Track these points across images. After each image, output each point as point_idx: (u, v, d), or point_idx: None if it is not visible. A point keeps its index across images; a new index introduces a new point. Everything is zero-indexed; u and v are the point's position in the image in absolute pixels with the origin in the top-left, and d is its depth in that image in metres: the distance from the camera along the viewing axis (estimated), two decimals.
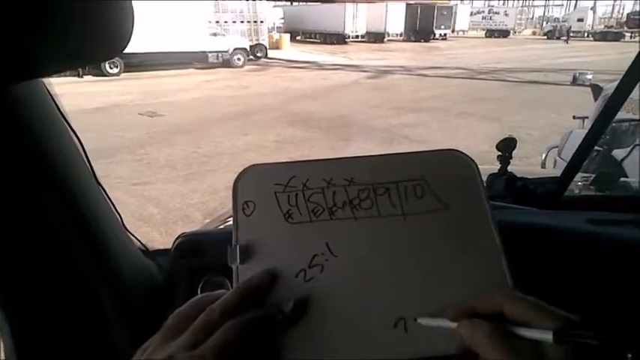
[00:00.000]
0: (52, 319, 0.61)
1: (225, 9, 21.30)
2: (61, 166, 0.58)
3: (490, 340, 0.36)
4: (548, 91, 11.29)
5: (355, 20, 30.84)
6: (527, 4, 72.99)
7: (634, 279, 0.67)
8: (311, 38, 34.09)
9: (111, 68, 14.53)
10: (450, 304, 0.42)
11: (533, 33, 54.39)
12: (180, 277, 0.77)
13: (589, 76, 11.29)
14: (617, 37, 37.84)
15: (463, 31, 44.96)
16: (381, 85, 12.78)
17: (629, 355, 0.36)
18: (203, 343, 0.37)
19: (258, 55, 20.49)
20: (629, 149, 2.32)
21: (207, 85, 13.00)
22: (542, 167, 3.53)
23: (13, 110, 0.50)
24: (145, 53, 14.41)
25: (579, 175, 1.43)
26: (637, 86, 1.04)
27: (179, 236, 0.80)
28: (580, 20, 41.30)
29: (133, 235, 0.75)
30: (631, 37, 38.14)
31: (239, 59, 17.69)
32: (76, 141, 0.62)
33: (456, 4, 42.53)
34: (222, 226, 1.25)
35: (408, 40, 35.14)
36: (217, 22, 20.18)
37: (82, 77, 13.70)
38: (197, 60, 16.93)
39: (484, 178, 0.53)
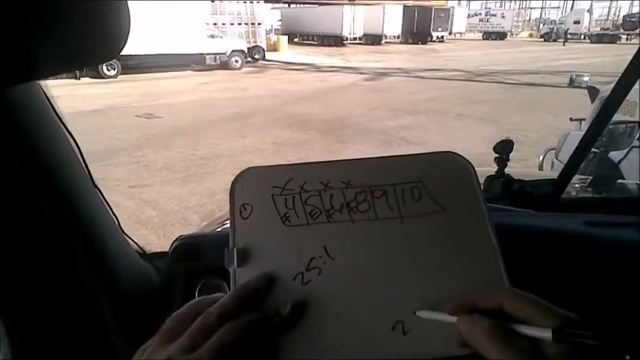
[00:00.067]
0: (49, 322, 0.61)
1: (223, 11, 21.31)
2: (58, 168, 0.57)
3: (489, 338, 0.36)
4: (545, 93, 11.32)
5: (353, 22, 30.89)
6: (524, 5, 73.31)
7: (631, 281, 0.67)
8: (309, 40, 34.14)
9: (108, 70, 14.53)
10: (449, 297, 0.42)
11: (530, 35, 54.61)
12: (177, 279, 0.77)
13: (586, 78, 11.40)
14: (614, 39, 38.00)
15: (460, 33, 45.15)
16: (378, 87, 12.80)
17: (627, 357, 0.36)
18: (200, 346, 0.37)
19: (256, 57, 20.49)
20: (626, 151, 2.33)
21: (205, 87, 12.99)
22: (539, 169, 3.54)
23: (9, 113, 0.50)
24: (142, 55, 14.41)
25: (576, 177, 1.43)
26: (633, 88, 1.05)
27: (176, 239, 0.80)
28: (576, 22, 41.46)
29: (130, 238, 0.75)
30: (627, 39, 38.36)
31: (237, 61, 17.69)
32: (73, 143, 0.61)
33: (453, 7, 42.69)
34: (219, 229, 1.25)
35: (405, 42, 35.20)
36: (215, 24, 20.17)
37: (79, 79, 13.68)
38: (195, 62, 16.93)
39: (481, 180, 0.53)
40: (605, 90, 3.49)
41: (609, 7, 64.40)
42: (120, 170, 5.53)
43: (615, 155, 2.38)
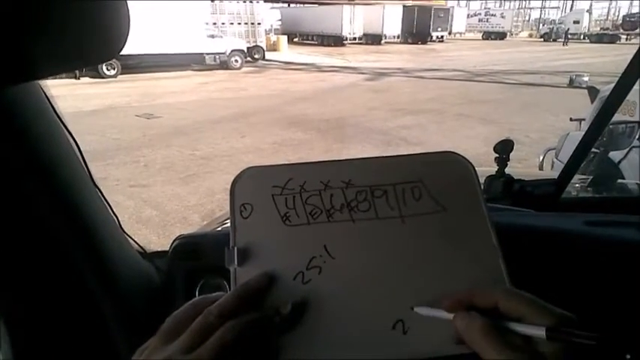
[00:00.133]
0: (50, 321, 0.61)
1: (223, 11, 21.33)
2: (58, 168, 0.57)
3: (484, 335, 0.37)
4: (545, 94, 11.33)
5: (353, 22, 30.92)
6: (523, 5, 73.31)
7: (632, 281, 0.67)
8: (308, 40, 34.16)
9: (108, 70, 14.53)
10: (446, 294, 0.42)
11: (530, 35, 54.65)
12: (177, 279, 0.77)
13: (586, 79, 11.41)
14: (613, 39, 38.02)
15: (460, 33, 45.15)
16: (378, 87, 12.80)
17: (628, 356, 0.36)
18: (200, 345, 0.37)
19: (256, 56, 20.50)
20: (626, 151, 2.33)
21: (205, 87, 12.99)
22: (539, 169, 3.54)
23: (9, 112, 0.49)
24: (142, 55, 14.42)
25: (577, 177, 1.43)
26: (633, 88, 1.05)
27: (177, 238, 0.80)
28: (576, 22, 41.47)
29: (130, 238, 0.75)
30: (627, 39, 38.38)
31: (237, 61, 17.69)
32: (73, 143, 0.61)
33: (453, 7, 42.69)
34: (219, 229, 1.25)
35: (405, 42, 35.23)
36: (215, 23, 20.19)
37: (78, 79, 13.68)
38: (195, 62, 16.93)
39: (482, 180, 0.53)
40: (605, 90, 3.49)
41: (609, 7, 64.48)
42: (120, 170, 5.53)
43: (615, 155, 2.38)
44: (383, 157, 0.53)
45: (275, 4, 34.32)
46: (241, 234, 0.48)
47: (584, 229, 0.78)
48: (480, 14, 47.02)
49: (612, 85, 1.09)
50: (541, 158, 3.58)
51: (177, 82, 13.84)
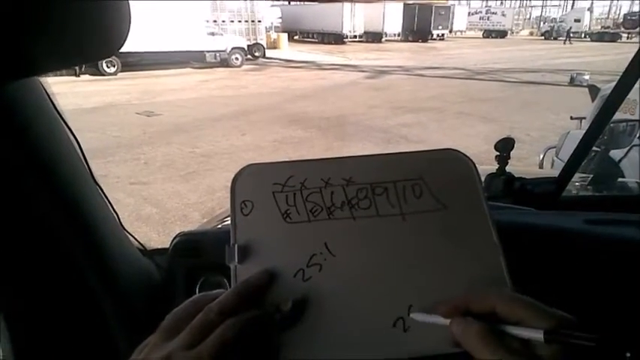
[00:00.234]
0: (50, 318, 0.61)
1: (223, 8, 21.29)
2: (58, 165, 0.57)
3: (481, 340, 0.36)
4: (546, 92, 11.31)
5: (353, 20, 30.87)
6: (524, 4, 73.18)
7: (632, 279, 0.67)
8: (309, 38, 34.14)
9: (108, 67, 14.51)
10: (443, 299, 0.42)
11: (531, 33, 54.56)
12: (178, 276, 0.77)
13: (586, 77, 11.38)
14: (614, 37, 37.91)
15: (461, 31, 45.11)
16: (378, 86, 12.78)
17: (628, 354, 0.36)
18: (201, 343, 0.37)
19: (256, 54, 20.47)
20: (626, 150, 2.33)
21: (205, 85, 12.98)
22: (539, 168, 3.53)
23: (9, 109, 0.49)
24: (142, 52, 14.40)
25: (577, 176, 1.43)
26: (634, 87, 1.04)
27: (177, 235, 0.80)
28: (577, 21, 41.35)
29: (130, 235, 0.75)
30: (628, 37, 38.27)
31: (237, 59, 17.66)
32: (73, 140, 0.61)
33: (454, 5, 42.63)
34: (220, 226, 1.25)
35: (405, 40, 35.18)
36: (215, 21, 20.16)
37: (79, 76, 13.67)
38: (195, 59, 16.91)
39: (482, 178, 0.53)
40: (606, 88, 3.49)
41: (610, 6, 64.31)
42: (120, 167, 5.53)
43: (616, 154, 2.38)
44: (384, 154, 0.53)
45: (275, 2, 34.34)
46: (242, 231, 0.48)
47: (585, 227, 0.78)
48: (480, 12, 46.90)
49: (613, 83, 1.09)
50: (541, 157, 3.58)
51: (178, 80, 13.82)
